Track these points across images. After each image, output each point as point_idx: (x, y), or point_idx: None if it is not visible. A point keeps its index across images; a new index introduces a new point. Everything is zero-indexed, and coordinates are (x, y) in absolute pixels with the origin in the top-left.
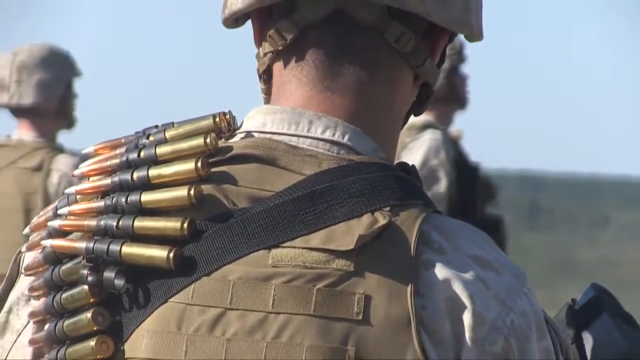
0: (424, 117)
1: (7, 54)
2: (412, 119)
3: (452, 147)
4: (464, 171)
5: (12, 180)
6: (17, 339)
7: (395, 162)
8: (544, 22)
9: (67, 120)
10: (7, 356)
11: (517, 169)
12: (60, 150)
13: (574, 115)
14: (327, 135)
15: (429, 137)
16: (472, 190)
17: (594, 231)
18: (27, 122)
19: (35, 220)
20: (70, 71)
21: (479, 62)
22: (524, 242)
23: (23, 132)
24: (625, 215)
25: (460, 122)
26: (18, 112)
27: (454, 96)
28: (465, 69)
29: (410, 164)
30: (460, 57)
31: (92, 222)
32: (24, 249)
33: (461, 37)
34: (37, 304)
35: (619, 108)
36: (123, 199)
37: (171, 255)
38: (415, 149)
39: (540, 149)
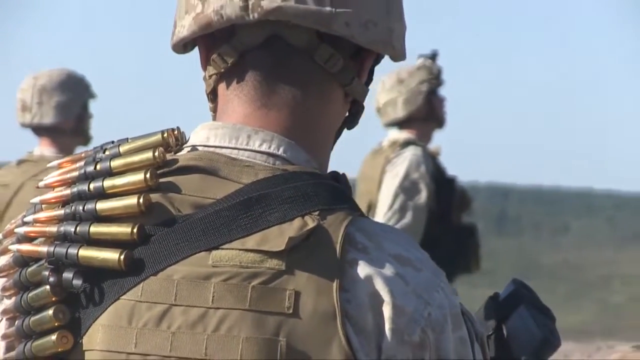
0: (406, 135)
1: (29, 78)
2: (395, 137)
3: (431, 162)
4: (442, 183)
5: (35, 192)
6: None
7: (380, 175)
8: (508, 39)
9: (84, 138)
10: None
11: (487, 181)
12: None
13: (537, 132)
14: (264, 148)
15: (411, 153)
16: (449, 200)
17: (557, 237)
18: (48, 139)
19: (7, 227)
20: (86, 93)
21: (455, 88)
22: (493, 247)
23: (44, 149)
24: (585, 223)
25: (439, 140)
26: (39, 130)
27: (433, 116)
28: (443, 92)
29: (341, 173)
30: (438, 81)
31: (53, 229)
32: None
33: (440, 62)
34: (8, 303)
35: (579, 126)
36: (81, 207)
37: (122, 257)
38: (398, 163)
39: (507, 163)
